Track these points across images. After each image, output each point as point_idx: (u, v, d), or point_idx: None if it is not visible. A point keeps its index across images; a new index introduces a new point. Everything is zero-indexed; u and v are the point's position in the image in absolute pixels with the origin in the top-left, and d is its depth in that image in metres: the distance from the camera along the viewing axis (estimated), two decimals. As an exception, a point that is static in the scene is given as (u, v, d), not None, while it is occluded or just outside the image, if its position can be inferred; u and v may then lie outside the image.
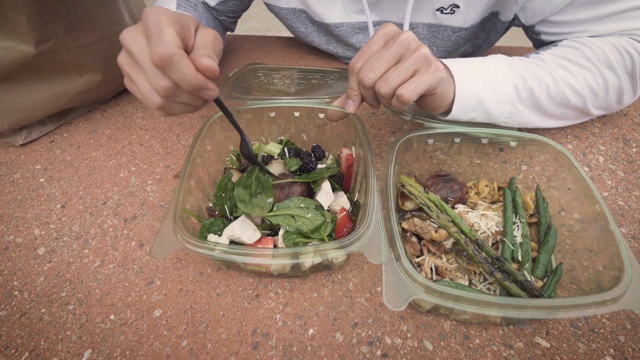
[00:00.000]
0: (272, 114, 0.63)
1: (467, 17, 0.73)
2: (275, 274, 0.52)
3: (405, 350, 0.46)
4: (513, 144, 0.57)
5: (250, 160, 0.53)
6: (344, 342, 0.47)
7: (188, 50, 0.41)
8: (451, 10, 0.73)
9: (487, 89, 0.57)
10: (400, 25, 0.77)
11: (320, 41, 0.90)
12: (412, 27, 0.78)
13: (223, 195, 0.54)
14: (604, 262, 0.44)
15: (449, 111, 0.58)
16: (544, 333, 0.47)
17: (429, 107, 0.55)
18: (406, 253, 0.53)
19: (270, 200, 0.52)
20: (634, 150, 0.68)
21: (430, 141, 0.59)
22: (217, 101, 0.47)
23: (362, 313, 0.49)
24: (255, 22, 3.21)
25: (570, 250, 0.50)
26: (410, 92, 0.47)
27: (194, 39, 0.42)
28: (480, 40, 0.82)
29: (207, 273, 0.54)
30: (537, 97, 0.59)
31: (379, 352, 0.46)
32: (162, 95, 0.41)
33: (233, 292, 0.52)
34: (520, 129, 0.66)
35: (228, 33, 1.02)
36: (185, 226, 0.47)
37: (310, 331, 0.48)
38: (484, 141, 0.58)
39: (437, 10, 0.74)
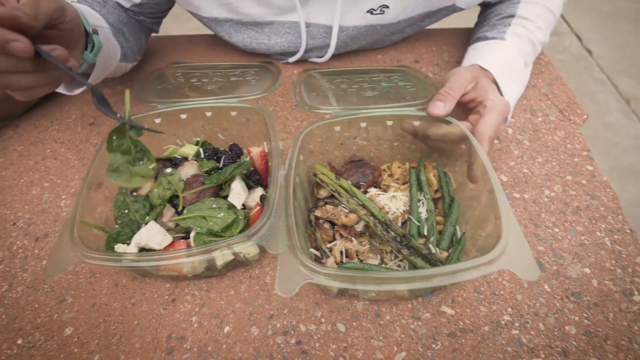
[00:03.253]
0: (184, 116, 0.62)
1: (397, 14, 0.75)
2: (189, 275, 0.52)
3: (318, 335, 0.47)
4: (416, 123, 0.59)
5: (111, 116, 0.45)
6: (259, 335, 0.47)
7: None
8: (381, 10, 0.74)
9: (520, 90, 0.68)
10: (329, 28, 0.78)
11: (245, 42, 0.87)
12: (342, 30, 0.78)
13: (126, 211, 0.53)
14: (494, 227, 0.46)
15: None
16: (450, 301, 0.50)
17: None
18: (316, 240, 0.54)
19: (154, 165, 0.47)
20: (540, 119, 0.72)
21: (337, 128, 0.60)
22: (42, 51, 0.40)
23: (278, 305, 0.50)
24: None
25: (476, 219, 0.53)
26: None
27: None
28: (410, 30, 0.84)
29: (122, 284, 0.53)
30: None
31: (293, 341, 0.47)
32: None
33: (149, 300, 0.51)
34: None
35: (153, 34, 0.99)
36: (85, 239, 0.46)
37: (226, 329, 0.48)
38: (389, 123, 0.60)
39: (367, 12, 0.75)
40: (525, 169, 0.64)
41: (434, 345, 0.46)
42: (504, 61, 0.66)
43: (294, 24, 0.80)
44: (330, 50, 0.80)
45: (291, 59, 0.86)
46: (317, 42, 0.82)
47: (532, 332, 0.46)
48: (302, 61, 0.87)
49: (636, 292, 0.49)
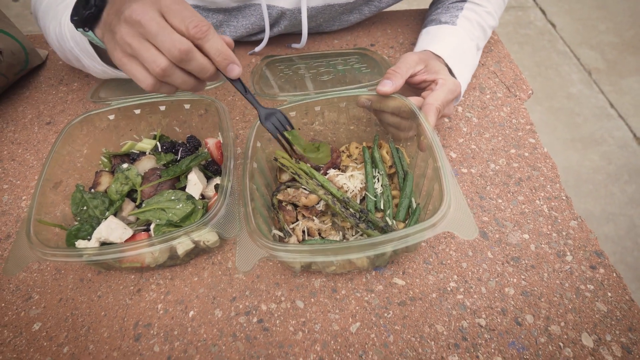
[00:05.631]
0: (137, 111, 0.62)
1: None
2: (153, 266, 0.54)
3: (279, 313, 0.50)
4: (367, 103, 0.61)
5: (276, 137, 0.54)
6: (223, 317, 0.50)
7: None
8: None
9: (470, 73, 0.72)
10: (291, 11, 0.79)
11: (214, 26, 0.87)
12: (300, 11, 0.79)
13: (84, 208, 0.54)
14: (439, 194, 0.48)
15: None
16: (401, 273, 0.53)
17: None
18: (279, 221, 0.56)
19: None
20: (488, 96, 0.75)
21: (293, 114, 0.61)
22: (237, 80, 0.48)
23: (240, 287, 0.53)
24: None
25: (426, 190, 0.55)
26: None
27: None
28: (367, 10, 0.85)
29: (87, 278, 0.55)
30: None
31: (255, 320, 0.50)
32: (177, 57, 0.42)
33: (114, 292, 0.53)
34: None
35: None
36: (45, 238, 0.47)
37: (191, 313, 0.51)
38: (342, 105, 0.62)
39: None
40: (473, 145, 0.67)
41: (386, 314, 0.50)
42: (454, 46, 0.69)
43: (258, 6, 0.80)
44: (304, 35, 0.81)
45: (257, 48, 0.86)
46: (282, 27, 0.83)
47: (475, 296, 0.51)
48: (280, 48, 0.88)
49: (568, 253, 0.53)
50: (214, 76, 0.47)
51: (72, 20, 0.48)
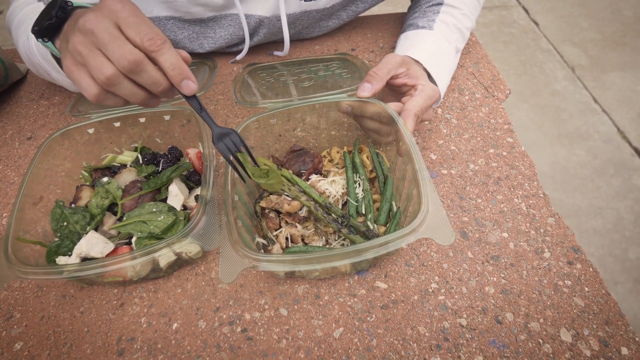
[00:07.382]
0: (117, 124, 0.62)
1: None
2: (135, 279, 0.54)
3: (262, 322, 0.50)
4: (348, 109, 0.62)
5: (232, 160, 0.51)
6: (207, 328, 0.50)
7: None
8: None
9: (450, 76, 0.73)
10: (269, 19, 0.79)
11: (191, 38, 0.86)
12: (278, 18, 0.79)
13: (65, 224, 0.54)
14: (417, 200, 0.49)
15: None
16: (383, 276, 0.54)
17: None
18: (262, 229, 0.57)
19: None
20: (467, 97, 0.76)
21: (273, 121, 0.62)
22: (193, 98, 0.47)
23: (223, 297, 0.53)
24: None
25: (406, 194, 0.56)
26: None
27: None
28: (345, 15, 0.86)
29: (70, 294, 0.54)
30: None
31: (239, 329, 0.50)
32: (125, 67, 0.41)
33: (97, 307, 0.53)
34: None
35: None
36: (22, 256, 0.47)
37: (175, 325, 0.51)
38: (322, 111, 0.62)
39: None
40: (453, 146, 0.68)
41: (368, 318, 0.50)
42: (433, 51, 0.70)
43: (235, 16, 0.80)
44: (286, 42, 0.82)
45: (238, 57, 0.86)
46: (262, 35, 0.83)
47: (456, 296, 0.51)
48: (262, 56, 0.89)
49: (546, 250, 0.54)
50: (169, 92, 0.46)
51: (32, 30, 0.49)
